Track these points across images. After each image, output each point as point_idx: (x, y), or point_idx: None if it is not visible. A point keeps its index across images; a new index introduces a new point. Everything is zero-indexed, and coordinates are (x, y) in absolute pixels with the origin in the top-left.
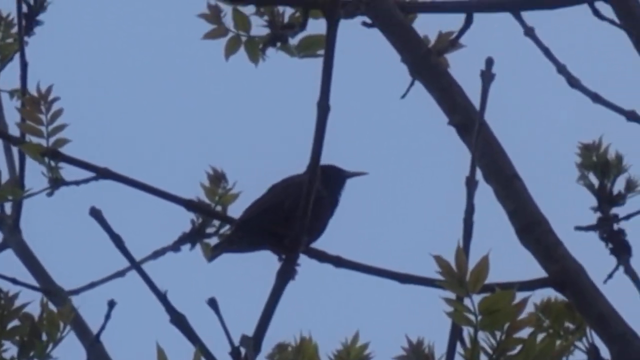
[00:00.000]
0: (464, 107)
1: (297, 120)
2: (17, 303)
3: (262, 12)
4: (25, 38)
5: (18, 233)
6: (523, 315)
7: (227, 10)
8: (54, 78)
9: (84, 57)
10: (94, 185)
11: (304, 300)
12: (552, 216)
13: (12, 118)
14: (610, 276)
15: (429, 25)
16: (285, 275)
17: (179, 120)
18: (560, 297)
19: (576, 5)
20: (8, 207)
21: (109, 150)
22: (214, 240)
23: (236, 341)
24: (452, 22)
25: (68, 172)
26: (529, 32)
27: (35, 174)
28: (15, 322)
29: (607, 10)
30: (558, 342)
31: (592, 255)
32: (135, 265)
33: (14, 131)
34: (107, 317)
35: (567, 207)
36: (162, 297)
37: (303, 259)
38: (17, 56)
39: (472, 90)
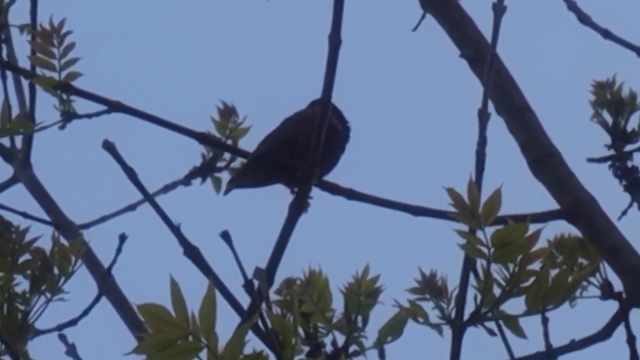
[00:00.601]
0: (475, 39)
1: (308, 54)
2: (28, 237)
3: None
4: None
5: (29, 167)
6: (536, 247)
7: None
8: (65, 13)
9: None
10: (106, 119)
11: (316, 233)
12: (565, 153)
13: (23, 52)
14: (624, 213)
15: None
16: (298, 207)
17: (189, 54)
18: (573, 232)
19: None
20: (18, 142)
21: (121, 84)
22: (224, 174)
23: (249, 274)
24: None
25: (80, 105)
26: None
27: (45, 108)
28: (26, 256)
29: None
30: (570, 277)
31: (606, 192)
32: (149, 198)
33: (24, 66)
34: (118, 250)
35: (580, 144)
36: (176, 230)
37: (315, 191)
38: None
39: (483, 23)
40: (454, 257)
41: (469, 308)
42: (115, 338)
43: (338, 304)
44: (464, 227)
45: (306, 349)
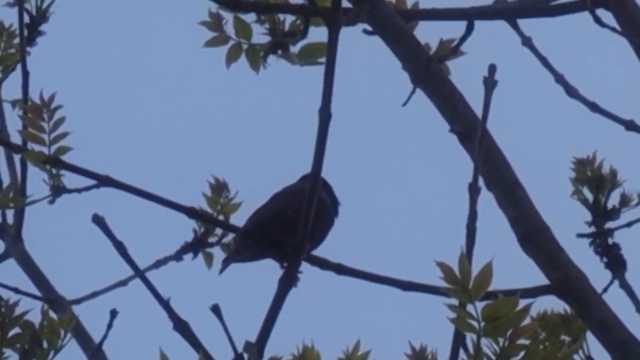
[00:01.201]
0: (465, 114)
1: (298, 128)
2: (18, 311)
3: (263, 20)
4: (28, 48)
5: (20, 242)
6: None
7: (228, 17)
8: (55, 88)
9: (86, 66)
10: (95, 193)
11: (305, 308)
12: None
13: (14, 127)
14: (605, 290)
15: (430, 33)
16: (288, 282)
17: (180, 128)
18: (556, 309)
19: (577, 12)
20: (10, 217)
21: (110, 158)
22: (216, 250)
23: (239, 348)
24: (453, 29)
25: (70, 180)
26: (527, 41)
27: (37, 182)
28: (16, 330)
29: (607, 17)
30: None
31: (587, 269)
32: (139, 272)
33: (16, 140)
34: (109, 326)
35: (563, 221)
36: (166, 304)
37: (305, 266)
38: (19, 66)
39: (473, 98)
40: (444, 331)
41: None
42: None
43: None
44: (454, 301)
45: None
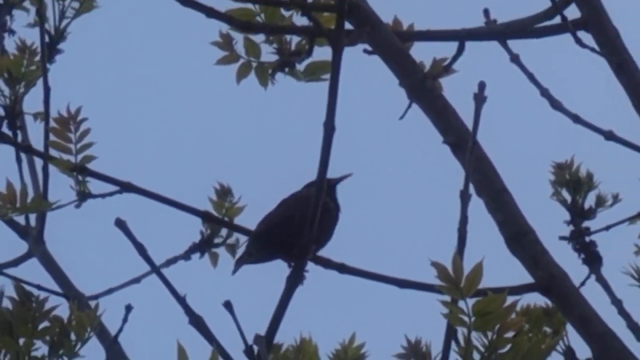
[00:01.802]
0: (456, 127)
1: (304, 139)
2: (47, 306)
3: (271, 40)
4: (47, 65)
5: (42, 243)
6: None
7: (238, 38)
8: (72, 101)
9: (102, 81)
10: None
11: (310, 304)
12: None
13: (35, 138)
14: (582, 284)
15: (424, 52)
16: (294, 280)
17: (193, 139)
18: (539, 303)
19: (559, 34)
20: (32, 220)
21: (128, 167)
22: (221, 250)
23: (250, 340)
24: (445, 49)
25: (92, 186)
26: (515, 58)
27: (56, 189)
28: (45, 324)
29: (587, 38)
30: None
31: (565, 265)
32: (157, 270)
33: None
34: (125, 320)
35: (544, 220)
36: (182, 300)
37: (310, 265)
38: (39, 82)
39: (464, 112)
40: (437, 326)
41: None
42: None
43: None
44: (447, 298)
45: None
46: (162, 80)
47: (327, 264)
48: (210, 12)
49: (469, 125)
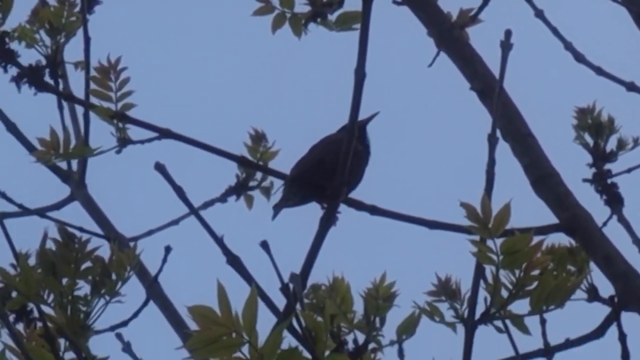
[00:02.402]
0: (483, 74)
1: (336, 86)
2: (89, 247)
3: None
4: (87, 16)
5: (84, 187)
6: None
7: None
8: (112, 51)
9: (139, 31)
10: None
11: (342, 244)
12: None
13: (76, 87)
14: (605, 224)
15: (451, 3)
16: (327, 221)
17: (229, 87)
18: (563, 243)
19: None
20: (74, 165)
21: (166, 114)
22: (256, 192)
23: (285, 279)
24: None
25: (131, 132)
26: (539, 14)
27: (97, 135)
28: (87, 264)
29: None
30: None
31: (588, 206)
32: (195, 212)
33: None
34: (164, 260)
35: (568, 164)
36: (219, 241)
37: (343, 207)
38: (79, 32)
39: (490, 60)
40: (466, 264)
41: (480, 309)
42: (161, 337)
43: (359, 307)
44: (476, 238)
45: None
46: (199, 30)
47: (359, 205)
48: None
49: (495, 73)
